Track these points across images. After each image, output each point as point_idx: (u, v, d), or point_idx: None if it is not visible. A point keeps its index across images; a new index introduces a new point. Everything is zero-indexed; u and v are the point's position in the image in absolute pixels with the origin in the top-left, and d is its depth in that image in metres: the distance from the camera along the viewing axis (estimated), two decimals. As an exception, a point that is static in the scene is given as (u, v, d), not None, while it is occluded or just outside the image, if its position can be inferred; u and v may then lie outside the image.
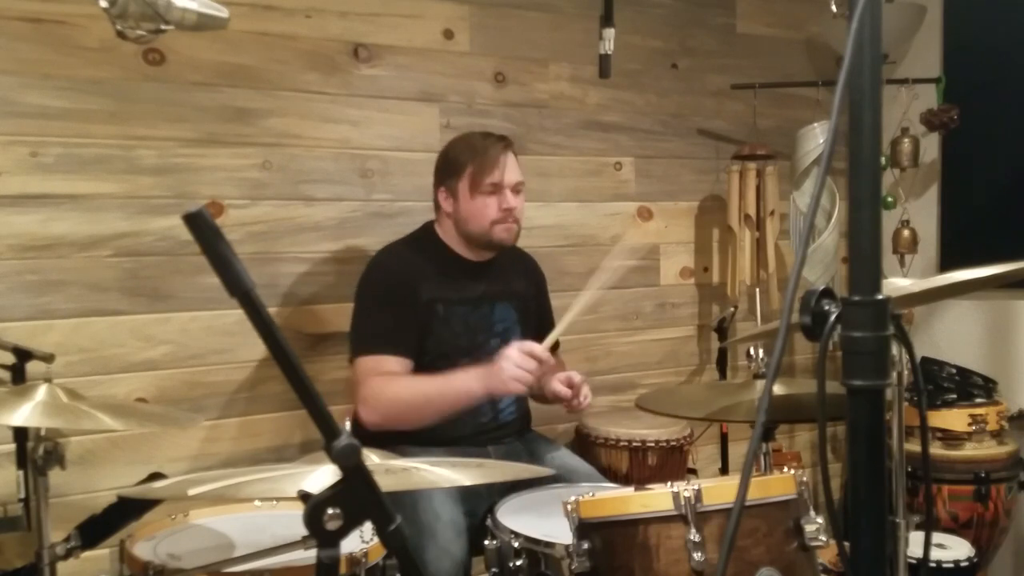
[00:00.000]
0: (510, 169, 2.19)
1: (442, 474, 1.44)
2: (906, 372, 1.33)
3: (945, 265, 3.19)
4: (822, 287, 0.94)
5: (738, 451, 2.98)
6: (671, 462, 2.66)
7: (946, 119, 2.99)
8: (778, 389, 2.09)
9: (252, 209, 2.46)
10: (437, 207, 2.28)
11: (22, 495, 1.96)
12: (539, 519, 1.73)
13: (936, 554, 2.24)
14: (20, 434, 1.97)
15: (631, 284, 3.10)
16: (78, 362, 2.24)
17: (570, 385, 2.14)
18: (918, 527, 1.37)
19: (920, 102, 3.07)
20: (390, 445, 1.98)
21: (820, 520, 1.38)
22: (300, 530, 0.99)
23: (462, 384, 2.00)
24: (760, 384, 2.13)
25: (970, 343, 3.12)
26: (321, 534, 0.97)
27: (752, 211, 3.08)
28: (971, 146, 3.09)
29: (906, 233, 3.14)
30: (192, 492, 1.33)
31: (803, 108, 3.23)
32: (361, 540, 1.54)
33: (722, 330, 2.94)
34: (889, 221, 3.13)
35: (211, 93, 2.39)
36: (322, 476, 1.29)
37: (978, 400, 2.80)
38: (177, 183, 2.35)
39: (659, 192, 3.14)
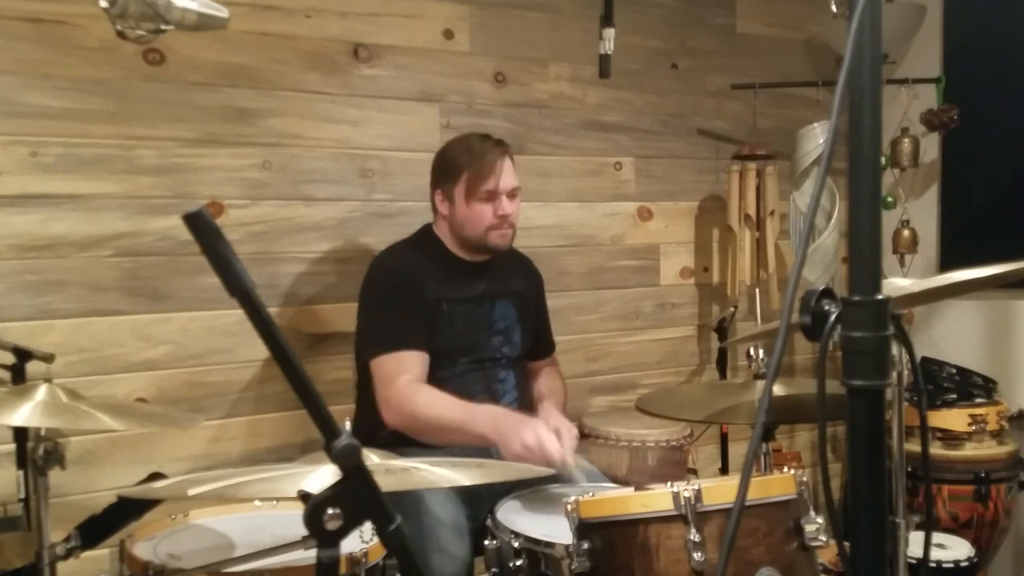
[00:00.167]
0: (506, 175, 2.20)
1: (442, 474, 1.44)
2: (906, 372, 1.33)
3: (945, 265, 3.19)
4: (822, 287, 0.94)
5: (738, 451, 2.98)
6: (671, 462, 2.66)
7: (946, 119, 2.99)
8: (778, 389, 2.09)
9: (252, 209, 2.46)
10: (434, 209, 2.29)
11: (22, 495, 1.96)
12: (539, 519, 1.73)
13: (936, 554, 2.24)
14: (20, 434, 1.97)
15: (631, 284, 3.10)
16: (78, 362, 2.24)
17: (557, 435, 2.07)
18: (918, 527, 1.37)
19: (920, 102, 3.07)
20: (391, 446, 1.99)
21: (820, 520, 1.38)
22: (300, 530, 0.99)
23: (481, 424, 1.98)
24: (760, 384, 2.13)
25: (970, 343, 3.12)
26: (321, 534, 0.97)
27: (752, 211, 3.08)
28: (971, 146, 3.09)
29: (906, 233, 3.14)
30: (192, 492, 1.33)
31: (803, 108, 3.23)
32: (361, 540, 1.54)
33: (722, 330, 2.94)
34: (889, 221, 3.13)
35: (211, 93, 2.39)
36: (322, 476, 1.29)
37: (978, 400, 2.80)
38: (177, 183, 2.35)
39: (659, 192, 3.14)
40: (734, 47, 3.25)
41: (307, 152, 2.52)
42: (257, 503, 1.88)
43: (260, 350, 2.30)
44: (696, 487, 1.34)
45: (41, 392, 1.56)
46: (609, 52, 2.06)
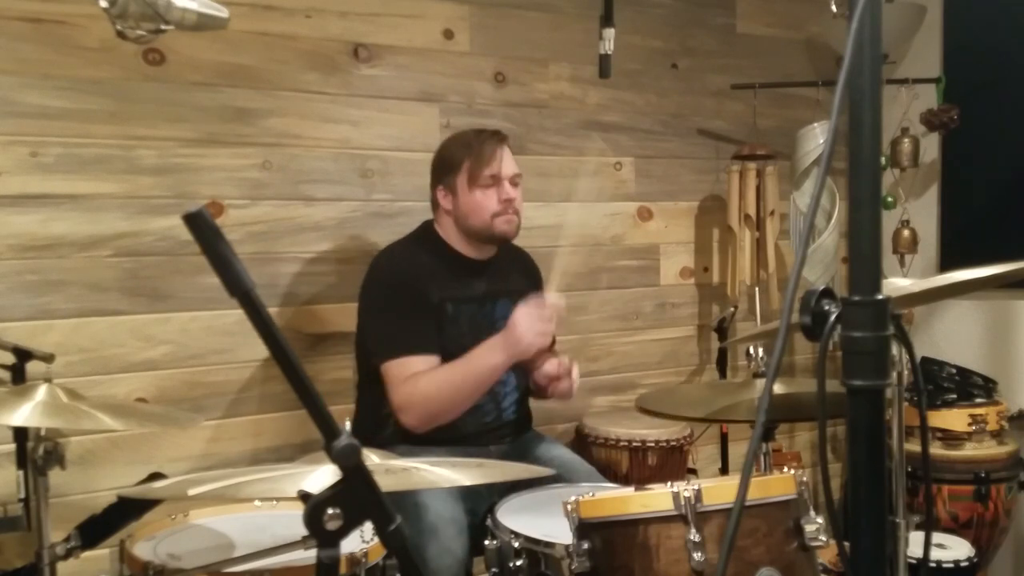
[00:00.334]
0: (507, 161, 2.21)
1: (442, 474, 1.44)
2: (906, 372, 1.33)
3: (945, 265, 3.19)
4: (822, 287, 0.94)
5: (738, 451, 2.98)
6: (671, 462, 2.66)
7: (946, 119, 2.99)
8: (778, 389, 2.09)
9: (252, 209, 2.46)
10: (435, 206, 2.28)
11: (22, 495, 1.96)
12: (539, 519, 1.73)
13: (936, 554, 2.24)
14: (20, 434, 1.97)
15: (631, 284, 3.10)
16: (78, 362, 2.24)
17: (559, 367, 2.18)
18: (918, 527, 1.37)
19: (920, 102, 3.07)
20: (391, 446, 1.99)
21: (820, 520, 1.38)
22: (300, 530, 0.98)
23: (485, 361, 2.03)
24: (760, 384, 2.13)
25: (970, 343, 3.12)
26: (321, 534, 0.97)
27: (752, 211, 3.08)
28: (971, 146, 3.09)
29: (906, 233, 3.14)
30: (192, 492, 1.33)
31: (803, 108, 3.24)
32: (361, 540, 1.54)
33: (722, 330, 2.94)
34: (889, 221, 3.13)
35: (211, 93, 2.39)
36: (322, 476, 1.29)
37: (978, 400, 2.80)
38: (177, 183, 2.35)
39: (659, 192, 3.14)
40: (734, 47, 3.25)
41: (307, 152, 2.52)
42: (257, 503, 1.88)
43: (260, 350, 2.31)
44: (696, 487, 1.34)
45: (41, 392, 1.56)
46: (609, 52, 2.06)
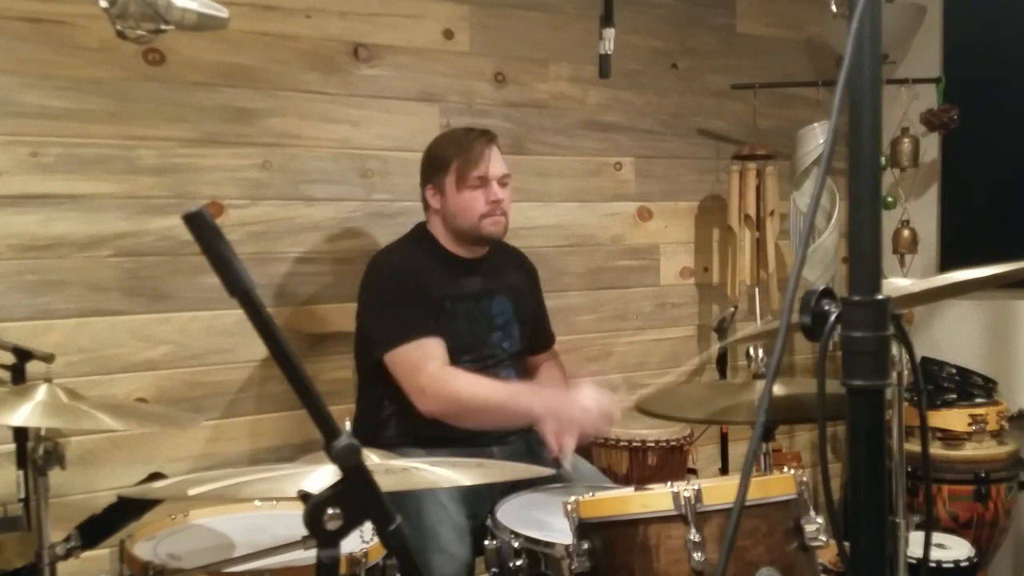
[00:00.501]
0: (495, 162, 2.20)
1: (442, 474, 1.44)
2: (906, 372, 1.33)
3: (945, 265, 3.19)
4: (822, 287, 0.94)
5: (738, 451, 2.98)
6: (671, 462, 2.66)
7: (946, 119, 2.99)
8: (778, 389, 2.08)
9: (252, 209, 2.46)
10: (426, 206, 2.28)
11: (22, 495, 1.96)
12: (539, 519, 1.73)
13: (936, 554, 2.24)
14: (20, 434, 1.97)
15: (631, 284, 3.10)
16: (78, 362, 2.24)
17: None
18: (918, 527, 1.37)
19: (920, 102, 3.07)
20: (392, 446, 1.99)
21: (820, 520, 1.38)
22: (300, 530, 0.99)
23: (526, 402, 1.99)
24: (760, 384, 2.13)
25: (970, 343, 3.12)
26: (321, 534, 0.97)
27: (752, 211, 3.08)
28: (971, 146, 3.09)
29: (906, 233, 3.14)
30: (192, 492, 1.33)
31: (803, 108, 3.23)
32: (361, 540, 1.54)
33: (722, 330, 2.94)
34: (889, 221, 3.13)
35: (211, 93, 2.39)
36: (322, 476, 1.29)
37: (978, 400, 2.80)
38: (177, 183, 2.35)
39: (659, 192, 3.14)
40: (734, 47, 3.25)
41: (307, 152, 2.52)
42: (257, 503, 1.88)
43: (260, 350, 2.32)
44: (696, 487, 1.34)
45: (41, 392, 1.56)
46: (609, 52, 2.06)
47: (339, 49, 2.56)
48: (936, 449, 2.74)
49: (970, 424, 2.72)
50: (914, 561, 1.65)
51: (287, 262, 2.51)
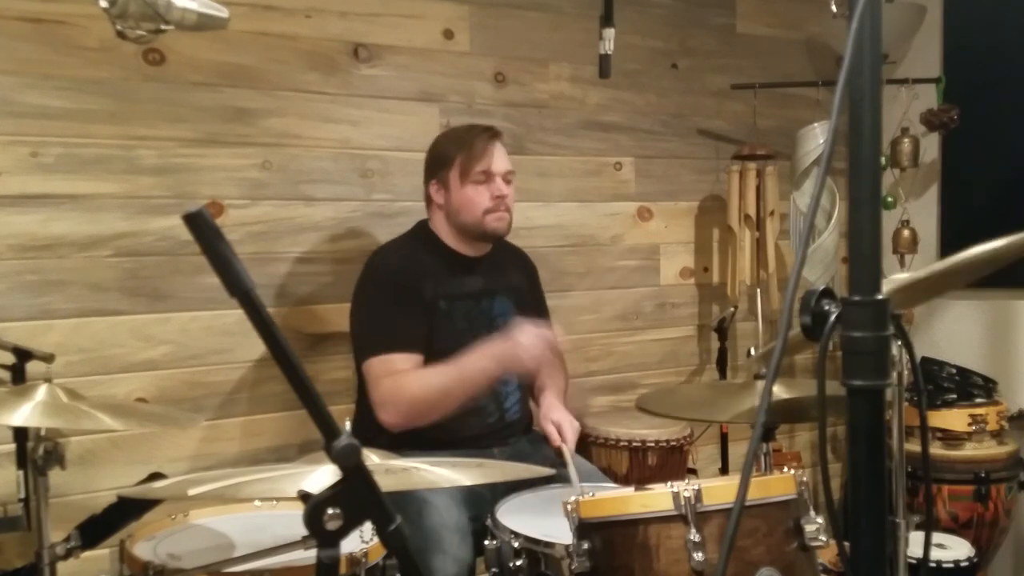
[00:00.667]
0: (499, 157, 2.21)
1: (442, 474, 1.44)
2: (906, 372, 1.33)
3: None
4: (822, 287, 0.94)
5: (738, 451, 2.98)
6: (671, 462, 2.66)
7: (946, 119, 2.99)
8: (778, 389, 2.08)
9: (252, 209, 2.46)
10: (428, 202, 2.28)
11: (22, 495, 1.96)
12: (539, 519, 1.73)
13: (936, 554, 2.24)
14: (20, 434, 1.97)
15: (631, 284, 3.10)
16: (78, 362, 2.24)
17: (559, 431, 2.15)
18: (918, 527, 1.37)
19: (920, 102, 3.07)
20: (392, 448, 1.98)
21: (820, 520, 1.38)
22: (300, 530, 0.99)
23: (477, 366, 2.02)
24: (760, 384, 2.13)
25: (970, 343, 3.12)
26: (321, 534, 0.97)
27: (752, 211, 3.08)
28: (971, 146, 3.09)
29: (906, 233, 3.14)
30: (192, 492, 1.33)
31: (803, 108, 3.23)
32: (361, 540, 1.54)
33: (722, 330, 2.94)
34: (889, 221, 3.13)
35: (211, 93, 2.39)
36: (322, 476, 1.29)
37: (978, 400, 2.80)
38: (177, 183, 2.35)
39: (659, 192, 3.14)
40: (734, 47, 3.25)
41: (307, 152, 2.52)
42: (257, 503, 1.88)
43: (260, 350, 2.33)
44: (696, 487, 1.34)
45: (41, 392, 1.56)
46: (609, 52, 2.06)
47: (339, 49, 2.56)
48: (936, 449, 2.74)
49: (970, 424, 2.73)
50: (914, 561, 1.65)
51: (287, 262, 2.51)
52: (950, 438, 2.74)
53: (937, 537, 2.35)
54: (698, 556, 1.32)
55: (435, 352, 2.15)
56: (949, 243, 3.23)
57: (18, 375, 1.93)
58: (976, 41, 3.12)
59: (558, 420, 2.16)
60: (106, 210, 2.27)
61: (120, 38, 1.29)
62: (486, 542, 1.70)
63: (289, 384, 0.94)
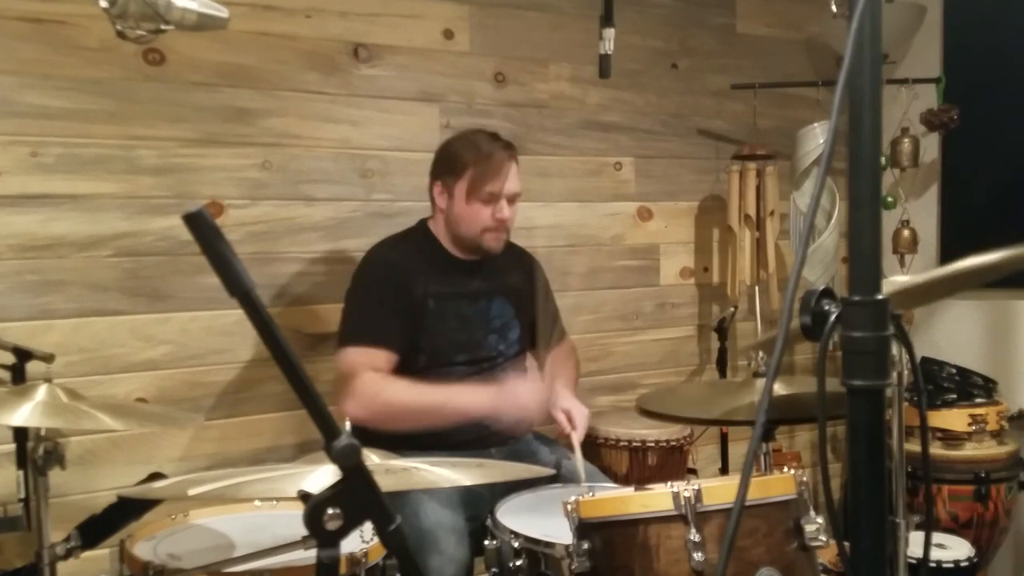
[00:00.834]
0: (511, 180, 2.18)
1: (442, 474, 1.44)
2: (906, 372, 1.33)
3: (945, 265, 3.18)
4: (822, 287, 0.94)
5: (738, 451, 2.98)
6: (671, 462, 2.66)
7: (946, 119, 2.99)
8: (778, 389, 2.08)
9: (252, 209, 2.46)
10: (432, 200, 2.27)
11: (22, 495, 1.96)
12: (539, 519, 1.73)
13: (936, 554, 2.24)
14: (20, 434, 1.97)
15: (631, 284, 3.10)
16: (78, 362, 2.24)
17: (569, 418, 2.14)
18: (918, 527, 1.37)
19: (920, 102, 3.07)
20: (392, 448, 1.98)
21: (820, 520, 1.38)
22: (300, 530, 0.99)
23: (467, 402, 2.01)
24: (760, 383, 2.13)
25: (970, 343, 3.12)
26: (321, 534, 0.97)
27: (752, 211, 3.08)
28: (971, 146, 3.09)
29: (906, 233, 3.14)
30: (192, 492, 1.33)
31: (803, 108, 3.23)
32: (361, 540, 1.54)
33: (722, 330, 2.94)
34: (889, 221, 3.13)
35: (211, 93, 2.39)
36: (322, 476, 1.29)
37: (978, 400, 2.80)
38: (177, 183, 2.35)
39: (659, 192, 3.14)
40: (734, 47, 3.25)
41: (307, 152, 2.52)
42: (257, 503, 1.88)
43: (260, 350, 2.32)
44: (696, 487, 1.34)
45: (41, 392, 1.56)
46: (609, 52, 2.05)
47: (339, 49, 2.56)
48: (936, 449, 2.74)
49: (970, 424, 2.72)
50: (914, 561, 1.65)
51: (287, 262, 2.51)
52: (950, 438, 2.74)
53: (937, 537, 2.35)
54: (698, 556, 1.32)
55: (424, 351, 2.15)
56: (949, 243, 3.23)
57: (18, 375, 1.93)
58: (976, 41, 3.12)
59: (568, 408, 2.15)
60: (106, 210, 2.27)
61: (120, 38, 1.29)
62: (486, 542, 1.70)
63: (289, 384, 0.94)
